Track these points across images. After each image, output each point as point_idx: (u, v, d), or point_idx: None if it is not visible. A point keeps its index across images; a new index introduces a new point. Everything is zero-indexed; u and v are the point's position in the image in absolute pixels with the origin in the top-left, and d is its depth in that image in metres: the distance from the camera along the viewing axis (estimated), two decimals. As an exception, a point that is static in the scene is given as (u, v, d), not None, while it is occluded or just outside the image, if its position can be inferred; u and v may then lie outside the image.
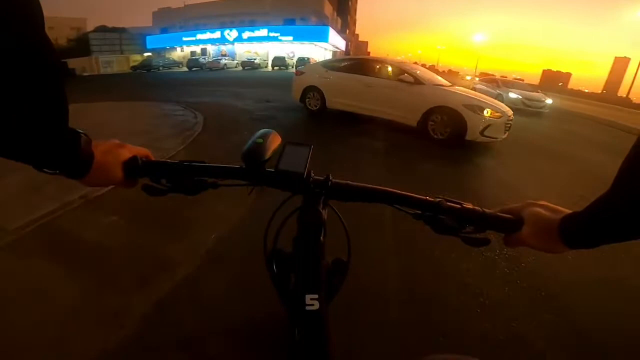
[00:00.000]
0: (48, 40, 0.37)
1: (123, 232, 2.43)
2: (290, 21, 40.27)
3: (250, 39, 39.16)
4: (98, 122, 6.25)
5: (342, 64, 6.95)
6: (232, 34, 39.42)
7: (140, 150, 0.58)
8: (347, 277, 0.58)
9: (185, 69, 32.59)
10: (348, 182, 0.57)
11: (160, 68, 32.94)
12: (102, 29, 46.91)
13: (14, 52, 0.33)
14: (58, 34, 49.81)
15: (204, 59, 33.73)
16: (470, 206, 0.54)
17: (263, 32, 38.48)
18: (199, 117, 6.46)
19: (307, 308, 0.46)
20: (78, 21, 62.94)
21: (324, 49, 45.09)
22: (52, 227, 2.43)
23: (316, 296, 0.47)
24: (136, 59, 37.53)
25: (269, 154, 0.55)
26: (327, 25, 40.09)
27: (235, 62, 34.53)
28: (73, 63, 37.78)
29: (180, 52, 42.75)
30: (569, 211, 0.49)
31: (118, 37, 42.65)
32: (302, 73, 7.37)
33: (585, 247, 0.47)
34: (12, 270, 1.97)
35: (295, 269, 0.53)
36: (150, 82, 18.89)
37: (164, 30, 44.89)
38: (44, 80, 0.38)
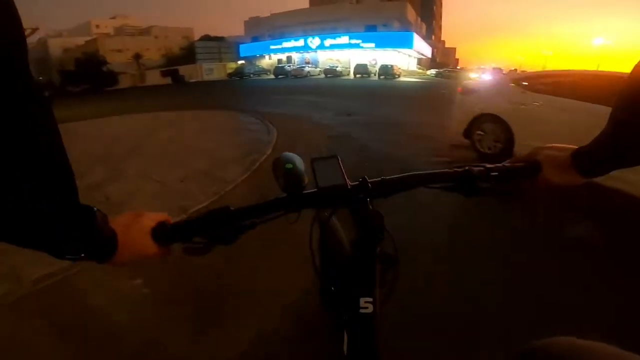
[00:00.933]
0: (37, 86, 0.31)
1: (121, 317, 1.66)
2: (372, 27, 39.15)
3: (332, 47, 38.94)
4: (169, 135, 6.10)
5: (556, 81, 3.76)
6: (314, 41, 39.59)
7: (160, 216, 0.52)
8: (398, 277, 0.57)
9: (272, 76, 33.97)
10: (382, 177, 0.56)
11: (251, 75, 35.00)
12: (206, 38, 51.61)
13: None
14: (172, 43, 56.69)
15: (289, 66, 34.57)
16: (492, 165, 0.57)
17: (344, 39, 38.04)
18: (272, 134, 5.81)
19: (361, 311, 0.47)
20: (187, 31, 71.17)
21: (407, 55, 42.91)
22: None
23: (371, 299, 0.48)
24: (231, 66, 40.67)
25: (305, 177, 0.53)
26: (411, 31, 37.96)
27: (318, 69, 34.62)
28: (183, 70, 42.60)
29: (269, 60, 44.32)
30: (575, 146, 0.54)
31: (217, 46, 46.83)
32: (471, 91, 4.46)
33: (598, 174, 0.52)
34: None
35: (351, 273, 0.52)
36: (240, 88, 19.93)
37: (254, 39, 46.98)
38: (41, 144, 0.32)
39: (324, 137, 5.86)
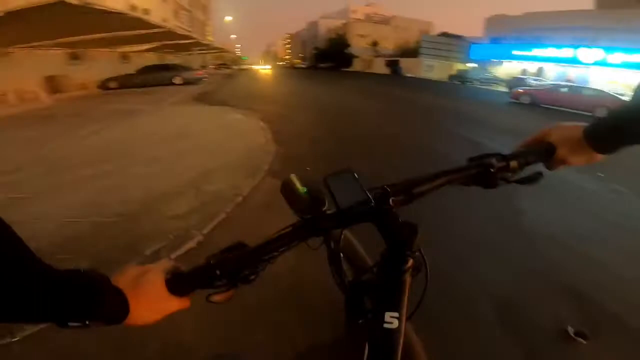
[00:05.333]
0: None
1: None
2: None
3: (624, 65, 24.25)
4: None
5: None
6: (591, 53, 25.70)
7: (166, 264, 0.47)
8: (426, 291, 0.52)
9: (504, 89, 24.76)
10: (403, 180, 0.52)
11: (475, 82, 27.34)
12: (443, 34, 45.45)
13: None
14: (409, 35, 54.26)
15: (535, 81, 23.50)
16: (509, 154, 0.56)
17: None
18: None
19: (385, 326, 0.44)
20: (425, 24, 66.44)
21: None
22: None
23: (397, 314, 0.44)
24: (459, 67, 33.62)
25: (325, 198, 0.48)
26: None
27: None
28: (403, 62, 40.59)
29: (508, 69, 32.30)
30: (583, 124, 0.53)
31: (446, 42, 39.70)
32: None
33: (612, 151, 0.51)
34: None
35: (379, 287, 0.48)
36: (443, 100, 14.07)
37: (493, 40, 35.04)
38: None
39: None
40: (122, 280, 0.41)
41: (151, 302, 0.42)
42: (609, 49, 25.27)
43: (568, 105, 13.60)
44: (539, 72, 29.26)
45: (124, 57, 19.37)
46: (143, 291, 0.41)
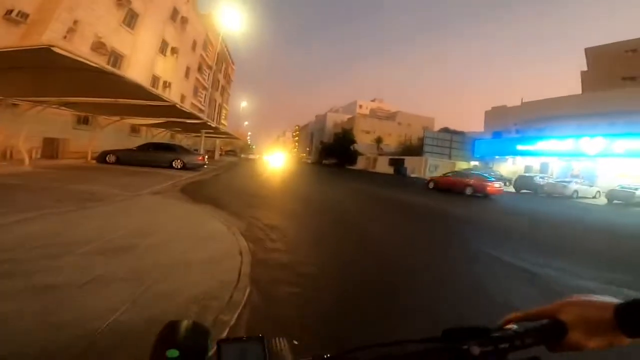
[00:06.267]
0: None
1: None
2: None
3: (629, 154, 22.17)
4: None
5: None
6: (593, 143, 23.84)
7: None
8: None
9: (511, 189, 23.76)
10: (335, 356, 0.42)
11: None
12: (444, 130, 45.03)
13: None
14: (413, 131, 55.21)
15: (542, 179, 22.50)
16: (498, 333, 0.46)
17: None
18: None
19: None
20: (428, 120, 67.48)
21: None
22: None
23: None
24: (460, 166, 32.92)
25: None
26: None
27: (595, 189, 21.47)
28: (408, 161, 37.78)
29: (512, 166, 31.04)
30: (617, 300, 0.43)
31: (449, 139, 38.87)
32: None
33: None
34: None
35: None
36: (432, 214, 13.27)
37: (495, 135, 33.87)
38: None
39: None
40: None
41: None
42: (613, 136, 22.90)
43: (453, 188, 17.00)
44: (543, 168, 28.14)
45: (134, 130, 19.38)
46: None
